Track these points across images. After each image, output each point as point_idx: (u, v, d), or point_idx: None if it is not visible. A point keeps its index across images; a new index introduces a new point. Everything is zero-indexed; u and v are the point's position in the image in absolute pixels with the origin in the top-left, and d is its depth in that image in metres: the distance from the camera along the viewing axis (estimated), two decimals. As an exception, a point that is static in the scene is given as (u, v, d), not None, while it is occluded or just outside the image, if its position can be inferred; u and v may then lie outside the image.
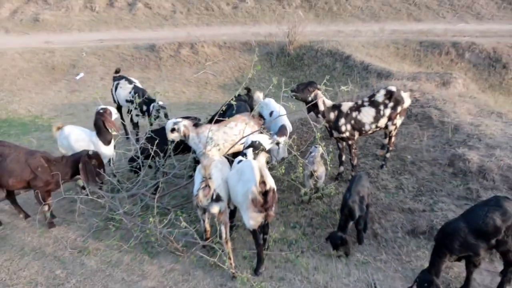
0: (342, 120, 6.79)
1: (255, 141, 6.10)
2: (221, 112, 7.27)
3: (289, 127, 7.36)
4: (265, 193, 4.93)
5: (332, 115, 6.81)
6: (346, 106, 6.87)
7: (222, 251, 5.62)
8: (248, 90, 8.45)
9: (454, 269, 5.37)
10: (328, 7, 18.31)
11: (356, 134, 6.91)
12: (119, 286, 5.54)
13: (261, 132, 6.70)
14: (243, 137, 6.59)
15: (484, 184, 6.39)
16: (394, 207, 6.46)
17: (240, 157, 5.73)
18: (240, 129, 6.65)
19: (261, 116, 7.04)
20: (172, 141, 6.88)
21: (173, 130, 6.65)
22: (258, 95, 7.76)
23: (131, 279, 5.65)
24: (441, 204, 6.24)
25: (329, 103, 6.86)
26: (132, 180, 7.17)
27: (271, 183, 4.98)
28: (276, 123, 7.28)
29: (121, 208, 6.55)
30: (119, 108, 9.63)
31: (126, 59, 14.88)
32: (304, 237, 6.21)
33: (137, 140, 8.46)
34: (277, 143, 6.62)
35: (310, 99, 6.72)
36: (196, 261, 5.81)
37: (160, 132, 7.16)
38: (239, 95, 8.05)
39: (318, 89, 6.69)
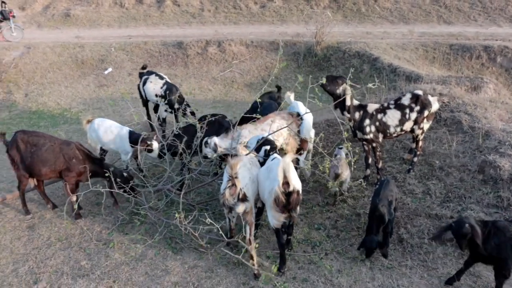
0: (367, 121, 6.73)
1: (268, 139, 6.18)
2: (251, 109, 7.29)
3: (313, 133, 7.43)
4: (288, 194, 4.90)
5: (357, 115, 6.75)
6: (371, 107, 6.81)
7: (246, 250, 5.63)
8: (279, 88, 8.42)
9: (482, 278, 5.25)
10: (357, 8, 18.13)
11: (380, 136, 6.84)
12: (143, 280, 5.59)
13: (299, 131, 6.71)
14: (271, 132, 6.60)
15: (515, 192, 6.23)
16: (421, 212, 6.35)
17: (275, 154, 5.71)
18: (278, 125, 6.62)
19: (299, 115, 7.00)
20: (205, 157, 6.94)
21: (205, 144, 6.75)
22: (289, 95, 7.73)
23: (155, 273, 5.69)
24: (470, 211, 6.10)
25: (355, 102, 6.81)
26: (158, 175, 7.23)
27: (295, 185, 4.94)
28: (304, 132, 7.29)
29: (146, 202, 6.63)
30: (145, 104, 9.73)
31: (153, 56, 15.02)
32: (328, 239, 6.16)
33: (164, 136, 8.53)
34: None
35: (338, 92, 6.67)
36: (220, 259, 5.83)
37: (187, 129, 7.20)
38: (270, 92, 8.05)
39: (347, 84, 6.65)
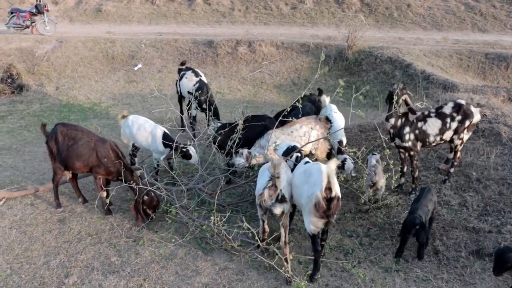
0: (407, 129, 6.59)
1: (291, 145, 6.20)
2: (286, 112, 7.21)
3: (345, 140, 7.39)
4: (329, 200, 4.82)
5: (398, 122, 6.62)
6: (412, 115, 6.67)
7: (277, 254, 5.55)
8: (320, 91, 8.34)
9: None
10: (389, 13, 17.90)
11: (419, 145, 6.69)
12: (173, 279, 5.56)
13: (328, 135, 6.62)
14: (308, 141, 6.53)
15: (557, 210, 6.02)
16: (457, 224, 6.17)
17: (307, 159, 5.64)
18: (305, 131, 6.55)
19: (328, 119, 6.91)
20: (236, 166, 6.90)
21: (236, 153, 6.79)
22: (325, 99, 7.64)
23: (185, 273, 5.66)
24: (510, 226, 5.91)
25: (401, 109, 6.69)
26: (190, 175, 7.20)
27: (337, 191, 4.86)
28: (336, 136, 7.20)
29: (177, 201, 6.61)
30: (180, 99, 9.74)
31: (183, 53, 15.06)
32: (361, 247, 6.04)
33: (194, 135, 8.51)
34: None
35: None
36: (251, 262, 5.76)
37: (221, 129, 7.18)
38: (311, 94, 7.98)
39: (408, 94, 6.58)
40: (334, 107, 7.66)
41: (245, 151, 6.63)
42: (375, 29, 16.87)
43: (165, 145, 7.31)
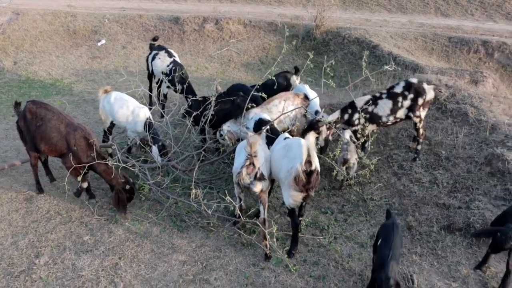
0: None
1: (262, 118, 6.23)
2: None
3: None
4: (309, 173, 4.84)
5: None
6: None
7: (254, 232, 5.56)
8: (297, 70, 8.31)
9: (491, 268, 5.27)
10: (355, -6, 17.97)
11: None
12: (149, 257, 5.47)
13: (305, 112, 6.62)
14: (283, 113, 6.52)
15: (523, 186, 6.27)
16: (429, 201, 6.35)
17: (286, 134, 5.61)
18: (283, 106, 6.53)
19: (306, 97, 6.89)
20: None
21: (221, 135, 6.78)
22: (295, 79, 7.62)
23: (161, 251, 5.57)
24: (478, 202, 6.11)
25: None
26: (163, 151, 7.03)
27: (316, 164, 4.89)
28: (311, 107, 7.21)
29: (150, 178, 6.46)
30: (150, 77, 9.48)
31: (149, 30, 14.61)
32: (336, 223, 6.12)
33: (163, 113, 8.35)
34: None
35: None
36: (228, 239, 5.73)
37: (197, 105, 7.06)
38: (285, 72, 7.95)
39: None
40: (306, 86, 7.65)
41: (225, 129, 6.55)
42: (342, 10, 16.92)
43: (154, 140, 6.93)
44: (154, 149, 6.81)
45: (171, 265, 5.35)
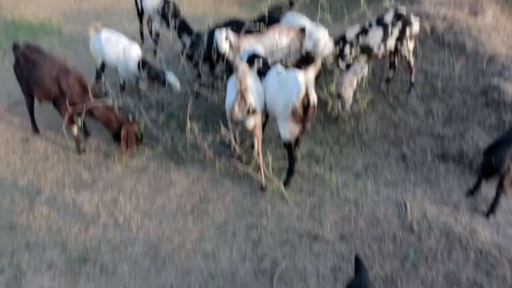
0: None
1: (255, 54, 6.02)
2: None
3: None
4: (306, 107, 4.82)
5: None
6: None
7: (249, 163, 5.62)
8: (291, 3, 8.07)
9: (482, 194, 5.39)
10: None
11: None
12: (148, 191, 5.56)
13: (301, 43, 6.48)
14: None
15: (518, 115, 6.28)
16: (423, 131, 6.38)
17: (279, 66, 5.53)
18: (277, 38, 6.38)
19: (302, 30, 6.70)
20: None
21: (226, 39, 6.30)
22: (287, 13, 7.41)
23: (159, 185, 5.65)
24: (472, 132, 6.15)
25: None
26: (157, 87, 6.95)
27: (314, 98, 4.86)
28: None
29: (146, 114, 6.44)
30: (141, 16, 9.22)
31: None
32: (331, 154, 6.18)
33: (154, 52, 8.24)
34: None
35: None
36: (224, 171, 5.80)
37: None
38: (280, 7, 7.74)
39: None
40: (294, 14, 7.43)
41: (230, 32, 6.29)
42: None
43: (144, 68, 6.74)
44: (170, 75, 6.66)
45: (170, 198, 5.45)
